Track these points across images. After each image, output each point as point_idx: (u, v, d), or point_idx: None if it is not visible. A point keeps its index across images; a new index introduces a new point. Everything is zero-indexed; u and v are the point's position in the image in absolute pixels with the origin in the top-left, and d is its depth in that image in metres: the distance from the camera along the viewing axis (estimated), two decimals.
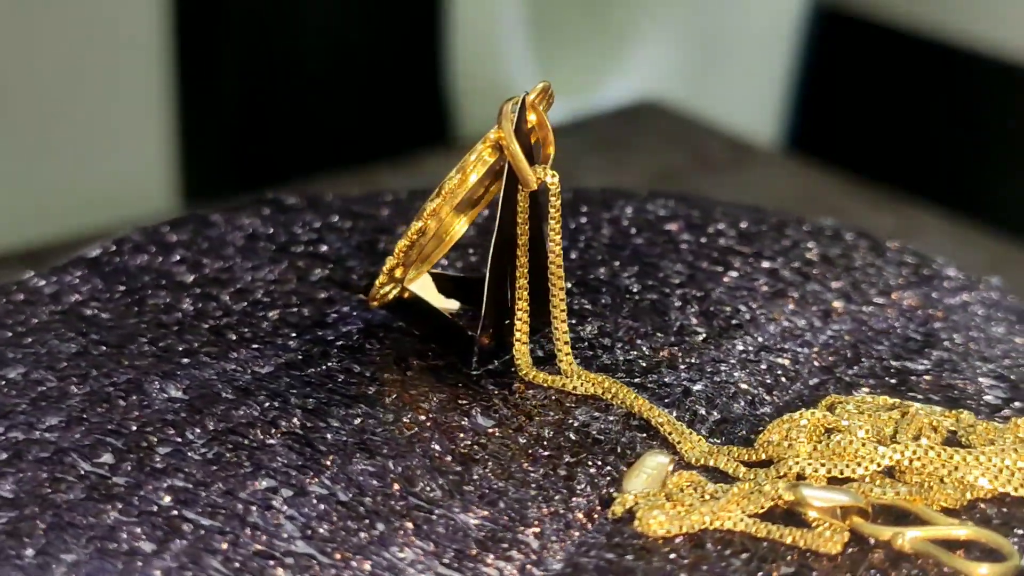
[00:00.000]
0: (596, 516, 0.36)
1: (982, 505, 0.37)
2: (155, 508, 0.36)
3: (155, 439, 0.38)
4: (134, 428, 0.39)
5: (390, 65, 0.99)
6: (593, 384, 0.41)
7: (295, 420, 0.39)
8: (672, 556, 0.35)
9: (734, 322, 0.45)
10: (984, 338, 0.45)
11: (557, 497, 0.37)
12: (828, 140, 1.16)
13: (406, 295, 0.42)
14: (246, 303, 0.45)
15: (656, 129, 0.99)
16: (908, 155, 1.13)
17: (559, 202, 0.40)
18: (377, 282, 0.42)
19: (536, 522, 0.36)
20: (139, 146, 0.90)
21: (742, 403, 0.41)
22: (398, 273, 0.42)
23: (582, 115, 1.00)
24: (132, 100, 0.89)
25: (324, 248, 0.48)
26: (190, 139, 0.93)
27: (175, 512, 0.35)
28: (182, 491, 0.36)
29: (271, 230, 0.49)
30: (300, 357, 0.42)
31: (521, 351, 0.41)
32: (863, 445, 0.38)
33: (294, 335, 0.43)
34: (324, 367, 0.41)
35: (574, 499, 0.36)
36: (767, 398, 0.41)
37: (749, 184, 0.91)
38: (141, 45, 0.88)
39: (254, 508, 0.36)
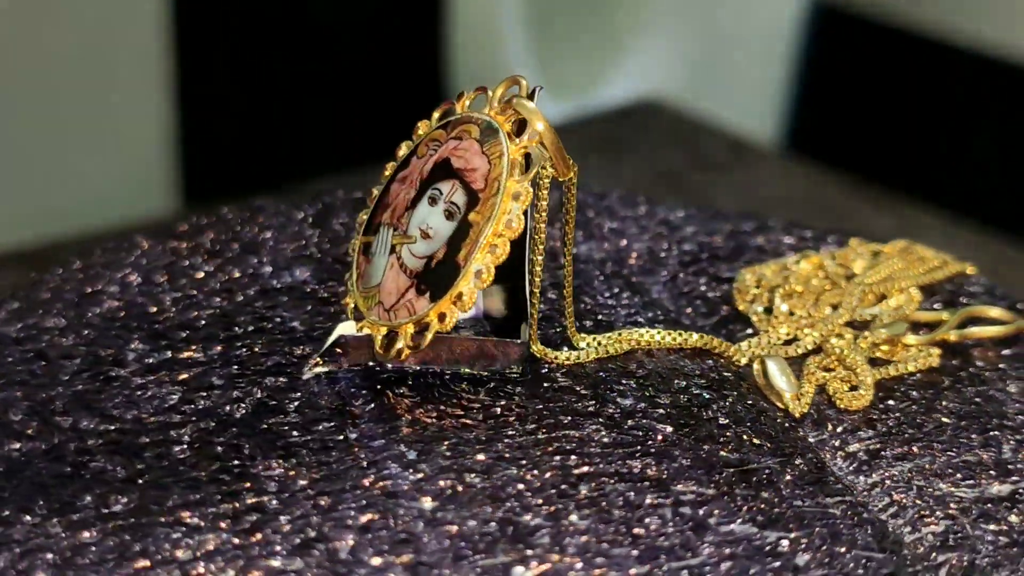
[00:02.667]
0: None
1: None
2: None
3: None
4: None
5: (390, 65, 0.99)
6: (615, 342, 0.42)
7: None
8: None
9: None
10: None
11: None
12: (828, 140, 1.16)
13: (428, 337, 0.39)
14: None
15: (656, 129, 0.99)
16: (908, 155, 1.13)
17: (575, 188, 0.40)
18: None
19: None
20: (139, 146, 0.90)
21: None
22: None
23: (582, 115, 1.00)
24: (132, 100, 0.89)
25: None
26: (190, 139, 0.93)
27: None
28: None
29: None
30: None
31: (535, 340, 0.42)
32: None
33: None
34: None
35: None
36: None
37: (749, 184, 0.91)
38: (141, 45, 0.88)
39: None
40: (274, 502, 0.36)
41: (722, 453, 0.39)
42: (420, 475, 0.37)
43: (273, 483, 0.36)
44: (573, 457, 0.38)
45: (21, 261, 0.77)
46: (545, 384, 0.40)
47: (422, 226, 0.39)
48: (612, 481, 0.37)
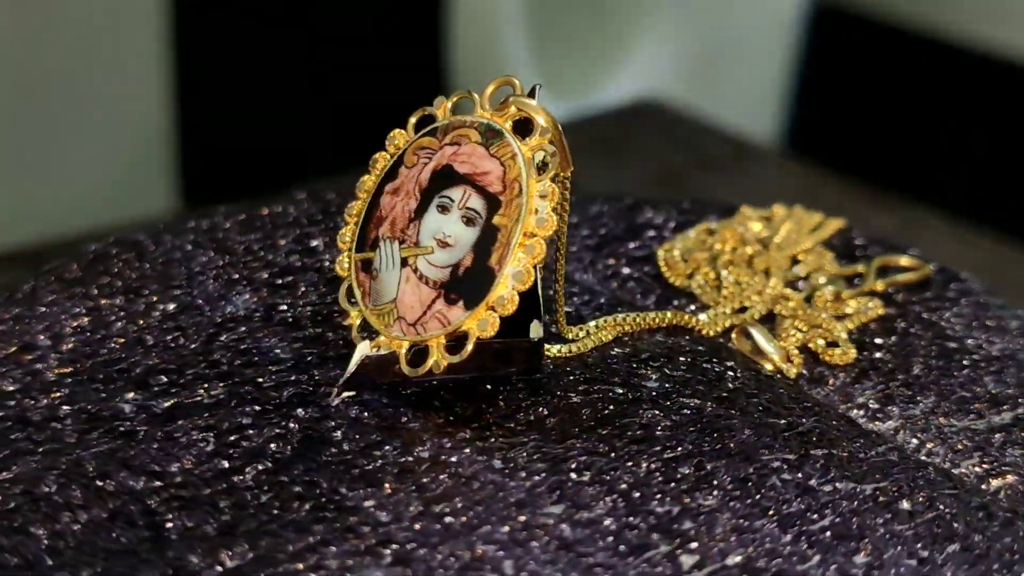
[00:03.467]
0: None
1: None
2: None
3: None
4: None
5: (390, 65, 0.99)
6: (603, 329, 0.42)
7: None
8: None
9: None
10: None
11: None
12: (828, 140, 1.16)
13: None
14: None
15: (656, 129, 0.99)
16: (908, 155, 1.12)
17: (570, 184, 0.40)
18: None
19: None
20: (139, 146, 0.90)
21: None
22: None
23: (582, 115, 1.00)
24: (132, 100, 0.89)
25: None
26: (190, 139, 0.93)
27: None
28: None
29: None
30: None
31: (566, 330, 0.43)
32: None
33: None
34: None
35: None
36: None
37: (749, 184, 0.91)
38: (141, 45, 0.88)
39: None
40: (402, 533, 0.35)
41: (769, 420, 0.40)
42: (535, 479, 0.36)
43: (385, 512, 0.35)
44: (656, 444, 0.38)
45: (21, 261, 0.77)
46: (569, 379, 0.40)
47: (438, 235, 0.38)
48: (707, 459, 0.38)
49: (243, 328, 0.42)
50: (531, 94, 0.40)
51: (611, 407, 0.39)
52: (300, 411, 0.39)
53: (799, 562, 0.35)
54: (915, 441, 0.42)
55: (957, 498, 0.38)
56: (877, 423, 0.42)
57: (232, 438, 0.38)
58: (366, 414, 0.38)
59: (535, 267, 0.38)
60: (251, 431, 0.38)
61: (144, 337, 0.42)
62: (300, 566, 0.33)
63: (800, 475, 0.38)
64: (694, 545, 0.35)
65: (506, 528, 0.35)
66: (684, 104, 1.05)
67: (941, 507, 0.38)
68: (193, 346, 0.41)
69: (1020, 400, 0.43)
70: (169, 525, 0.35)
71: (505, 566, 0.34)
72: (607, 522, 0.35)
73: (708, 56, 1.09)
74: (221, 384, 0.40)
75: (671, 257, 0.48)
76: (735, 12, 1.10)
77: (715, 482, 0.37)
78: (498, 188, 0.38)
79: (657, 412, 0.39)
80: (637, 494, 0.36)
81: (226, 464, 0.37)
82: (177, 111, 0.91)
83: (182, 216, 0.49)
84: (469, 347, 0.37)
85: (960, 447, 0.41)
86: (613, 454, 0.38)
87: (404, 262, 0.39)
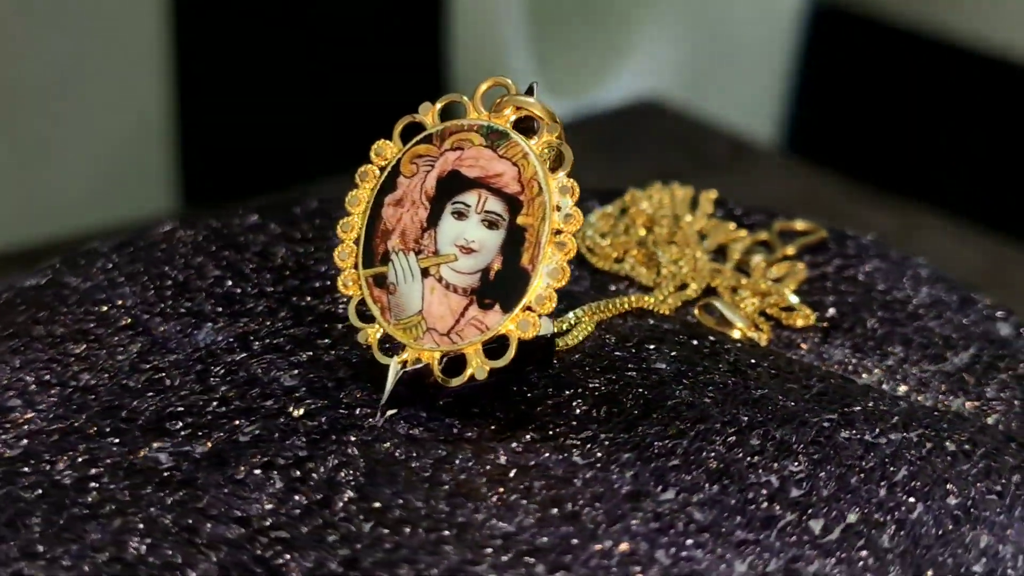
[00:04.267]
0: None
1: None
2: None
3: None
4: None
5: (390, 65, 0.99)
6: (587, 316, 0.43)
7: None
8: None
9: None
10: None
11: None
12: (828, 140, 1.16)
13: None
14: None
15: (656, 129, 0.99)
16: (908, 155, 1.12)
17: None
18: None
19: None
20: (139, 146, 0.90)
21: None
22: None
23: (582, 115, 1.00)
24: (132, 100, 0.89)
25: None
26: (190, 139, 0.93)
27: None
28: None
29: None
30: None
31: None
32: None
33: None
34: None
35: None
36: None
37: (749, 184, 0.91)
38: (141, 45, 0.88)
39: None
40: (538, 539, 0.34)
41: (789, 385, 0.40)
42: (631, 470, 0.37)
43: (504, 522, 0.35)
44: (714, 421, 0.39)
45: (21, 261, 0.77)
46: (585, 370, 0.41)
47: (459, 242, 0.38)
48: (770, 428, 0.38)
49: (229, 359, 0.41)
50: (529, 92, 0.39)
51: (645, 391, 0.39)
52: (350, 436, 0.38)
53: (907, 512, 0.36)
54: (903, 388, 0.43)
55: (985, 433, 0.40)
56: (864, 376, 0.43)
57: (297, 473, 0.36)
58: (417, 430, 0.38)
59: (568, 263, 0.38)
60: (312, 463, 0.37)
61: (125, 383, 0.40)
62: None
63: (854, 431, 0.39)
64: (811, 511, 0.36)
65: (637, 520, 0.35)
66: (684, 104, 1.05)
67: (983, 446, 0.39)
68: (190, 385, 0.40)
69: (965, 340, 0.45)
70: (291, 568, 0.33)
71: (658, 555, 0.34)
72: (725, 500, 0.36)
73: (708, 56, 1.09)
74: (249, 420, 0.38)
75: (595, 242, 0.48)
76: (735, 12, 1.10)
77: (792, 448, 0.38)
78: (515, 188, 0.38)
79: (688, 391, 0.40)
80: (733, 469, 0.37)
81: (306, 499, 0.35)
82: (177, 111, 0.91)
83: (90, 250, 0.46)
84: (512, 350, 0.37)
85: (943, 390, 0.43)
86: (683, 435, 0.38)
87: (425, 272, 0.38)
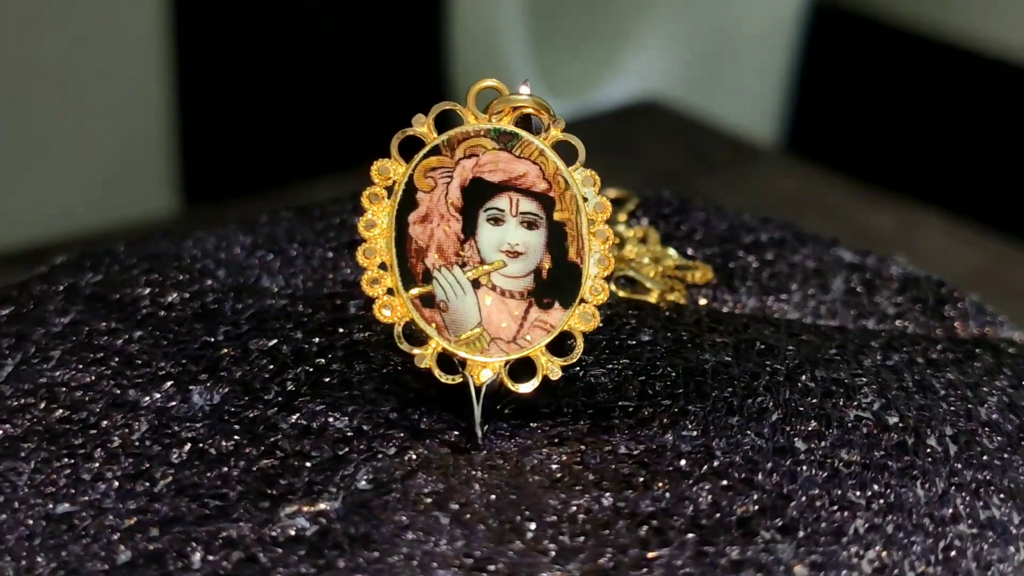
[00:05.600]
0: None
1: None
2: None
3: None
4: None
5: (390, 65, 0.99)
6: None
7: None
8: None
9: None
10: None
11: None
12: (828, 140, 1.16)
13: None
14: None
15: (656, 129, 0.99)
16: (908, 155, 1.12)
17: None
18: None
19: None
20: (139, 146, 0.90)
21: None
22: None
23: (582, 115, 1.00)
24: (132, 100, 0.89)
25: None
26: (190, 139, 0.93)
27: None
28: None
29: None
30: None
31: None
32: None
33: None
34: None
35: None
36: None
37: (749, 184, 0.91)
38: (141, 45, 0.88)
39: None
40: (731, 528, 0.36)
41: (789, 348, 0.42)
42: (757, 451, 0.38)
43: (682, 504, 0.36)
44: (755, 380, 0.40)
45: (21, 261, 0.77)
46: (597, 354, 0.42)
47: (503, 247, 0.38)
48: (812, 368, 0.41)
49: (251, 413, 0.39)
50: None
51: (675, 362, 0.41)
52: (458, 459, 0.37)
53: (997, 449, 0.39)
54: (824, 319, 0.46)
55: (963, 364, 0.43)
56: (791, 314, 0.45)
57: (456, 506, 0.36)
58: (510, 443, 0.38)
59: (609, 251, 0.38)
60: (470, 494, 0.36)
61: (169, 431, 0.38)
62: (725, 561, 0.34)
63: (866, 357, 0.42)
64: (919, 466, 0.38)
65: (804, 498, 0.37)
66: (684, 104, 1.05)
67: (979, 375, 0.42)
68: (246, 450, 0.37)
69: (832, 269, 0.48)
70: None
71: (858, 524, 0.36)
72: (869, 457, 0.38)
73: (708, 56, 1.09)
74: (357, 471, 0.37)
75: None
76: (735, 12, 1.10)
77: (847, 381, 0.41)
78: (543, 186, 0.38)
79: (709, 354, 0.41)
80: (849, 436, 0.39)
81: (456, 527, 0.36)
82: (177, 111, 0.91)
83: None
84: (580, 344, 0.38)
85: (854, 315, 0.46)
86: (752, 392, 0.40)
87: (476, 284, 0.38)
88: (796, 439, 0.38)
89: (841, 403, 0.40)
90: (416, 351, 0.38)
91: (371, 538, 0.34)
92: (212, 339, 0.42)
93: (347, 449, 0.37)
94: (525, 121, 0.39)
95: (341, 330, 0.42)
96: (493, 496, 0.36)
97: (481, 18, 0.97)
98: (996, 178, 1.07)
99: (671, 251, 0.46)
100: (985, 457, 0.39)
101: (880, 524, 0.36)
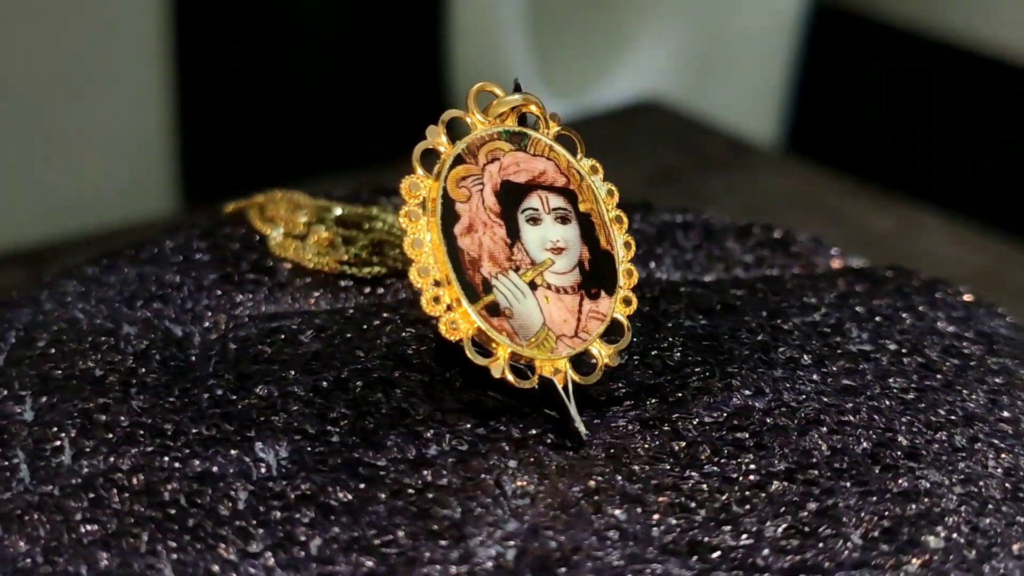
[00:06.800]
0: None
1: None
2: None
3: None
4: None
5: (390, 65, 0.99)
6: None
7: None
8: None
9: None
10: None
11: None
12: (828, 140, 1.16)
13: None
14: None
15: (656, 129, 0.99)
16: (908, 155, 1.12)
17: None
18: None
19: None
20: (139, 146, 0.90)
21: None
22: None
23: (582, 115, 1.00)
24: (132, 100, 0.89)
25: None
26: (190, 139, 0.93)
27: None
28: None
29: None
30: None
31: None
32: None
33: None
34: None
35: None
36: None
37: (749, 184, 0.91)
38: (141, 45, 0.88)
39: None
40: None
41: (737, 304, 0.44)
42: (828, 425, 0.39)
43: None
44: (783, 346, 0.43)
45: (21, 261, 0.77)
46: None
47: (547, 245, 0.38)
48: (842, 336, 0.44)
49: (341, 460, 0.37)
50: (516, 89, 0.40)
51: (688, 340, 0.42)
52: (572, 457, 0.38)
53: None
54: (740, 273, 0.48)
55: (878, 289, 0.47)
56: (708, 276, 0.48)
57: (620, 502, 0.37)
58: (606, 433, 0.38)
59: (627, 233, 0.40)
60: (615, 483, 0.37)
61: (266, 493, 0.37)
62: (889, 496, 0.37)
63: (850, 317, 0.45)
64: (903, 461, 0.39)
65: (902, 426, 0.39)
66: (684, 104, 1.05)
67: (892, 296, 0.46)
68: (378, 495, 0.36)
69: (693, 224, 0.50)
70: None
71: (957, 438, 0.39)
72: (910, 381, 0.41)
73: (708, 56, 1.09)
74: (505, 485, 0.37)
75: (275, 242, 0.47)
76: (735, 12, 1.10)
77: (877, 343, 0.43)
78: (563, 181, 0.39)
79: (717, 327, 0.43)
80: (885, 367, 0.42)
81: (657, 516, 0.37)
82: (177, 111, 0.91)
83: None
84: (627, 328, 0.39)
85: (741, 275, 0.48)
86: (804, 356, 0.42)
87: (532, 285, 0.38)
88: (844, 378, 0.41)
89: (839, 340, 0.42)
90: (486, 362, 0.38)
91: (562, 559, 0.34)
92: (234, 394, 0.39)
93: (478, 472, 0.37)
94: (522, 119, 0.39)
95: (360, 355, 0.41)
96: (634, 482, 0.37)
97: (481, 18, 0.97)
98: (996, 178, 1.07)
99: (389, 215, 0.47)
100: None
101: (976, 434, 0.39)
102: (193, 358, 0.41)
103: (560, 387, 0.38)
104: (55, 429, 0.38)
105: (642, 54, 1.06)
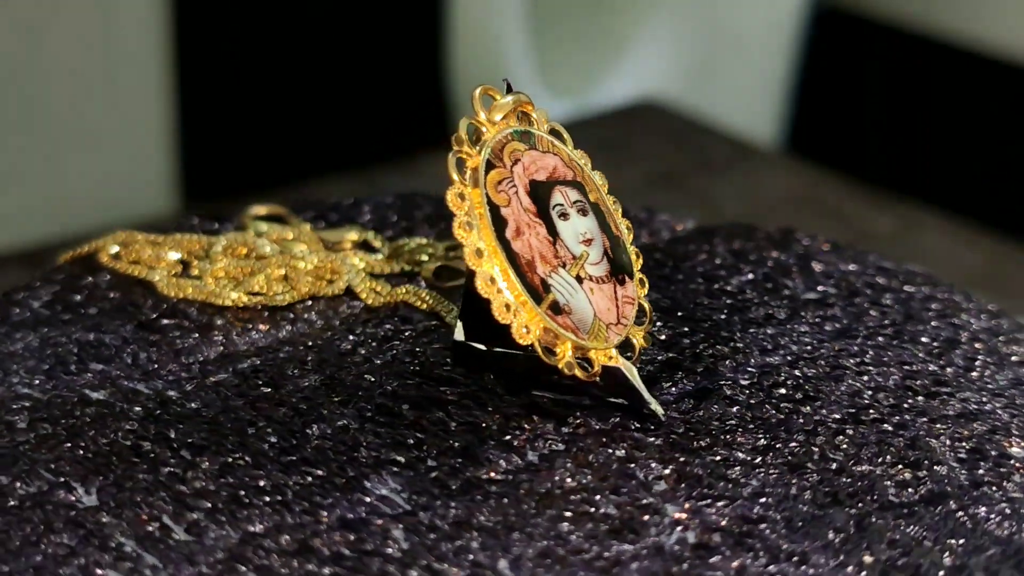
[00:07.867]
0: None
1: None
2: None
3: None
4: None
5: (390, 65, 0.99)
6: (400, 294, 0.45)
7: None
8: None
9: None
10: None
11: None
12: (828, 140, 1.16)
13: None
14: None
15: (656, 129, 0.99)
16: (908, 155, 1.13)
17: None
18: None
19: None
20: (139, 146, 0.90)
21: None
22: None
23: (582, 115, 1.00)
24: (132, 100, 0.89)
25: None
26: (190, 139, 0.93)
27: None
28: None
29: None
30: None
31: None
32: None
33: None
34: None
35: None
36: None
37: (749, 185, 0.91)
38: (141, 45, 0.88)
39: None
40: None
41: (679, 278, 0.46)
42: (860, 406, 0.40)
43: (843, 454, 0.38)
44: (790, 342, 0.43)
45: (21, 261, 0.77)
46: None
47: (580, 238, 0.39)
48: (806, 308, 0.45)
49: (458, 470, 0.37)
50: (508, 90, 0.40)
51: (707, 336, 0.43)
52: (658, 435, 0.39)
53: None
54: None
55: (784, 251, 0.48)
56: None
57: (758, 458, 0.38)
58: (673, 408, 0.40)
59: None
60: (711, 456, 0.38)
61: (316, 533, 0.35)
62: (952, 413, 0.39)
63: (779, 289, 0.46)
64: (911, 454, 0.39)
65: (916, 379, 0.41)
66: (684, 104, 1.05)
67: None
68: (453, 511, 0.35)
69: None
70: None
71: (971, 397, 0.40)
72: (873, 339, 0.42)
73: (708, 56, 1.09)
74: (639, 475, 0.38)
75: (175, 284, 0.46)
76: (735, 12, 1.10)
77: (828, 308, 0.44)
78: (572, 174, 0.40)
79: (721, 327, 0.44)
80: (854, 329, 0.43)
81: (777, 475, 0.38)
82: (177, 111, 0.91)
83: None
84: (649, 309, 0.40)
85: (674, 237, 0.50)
86: (791, 321, 0.44)
87: (579, 279, 0.39)
88: (827, 324, 0.43)
89: (788, 292, 0.44)
90: (552, 360, 0.38)
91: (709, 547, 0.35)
92: (292, 438, 0.38)
93: (604, 468, 0.37)
94: (523, 117, 0.40)
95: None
96: (741, 448, 0.38)
97: (481, 18, 0.97)
98: (996, 178, 1.07)
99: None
100: None
101: (981, 399, 0.40)
102: (203, 412, 0.38)
103: (631, 377, 0.39)
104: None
105: (642, 54, 1.06)
